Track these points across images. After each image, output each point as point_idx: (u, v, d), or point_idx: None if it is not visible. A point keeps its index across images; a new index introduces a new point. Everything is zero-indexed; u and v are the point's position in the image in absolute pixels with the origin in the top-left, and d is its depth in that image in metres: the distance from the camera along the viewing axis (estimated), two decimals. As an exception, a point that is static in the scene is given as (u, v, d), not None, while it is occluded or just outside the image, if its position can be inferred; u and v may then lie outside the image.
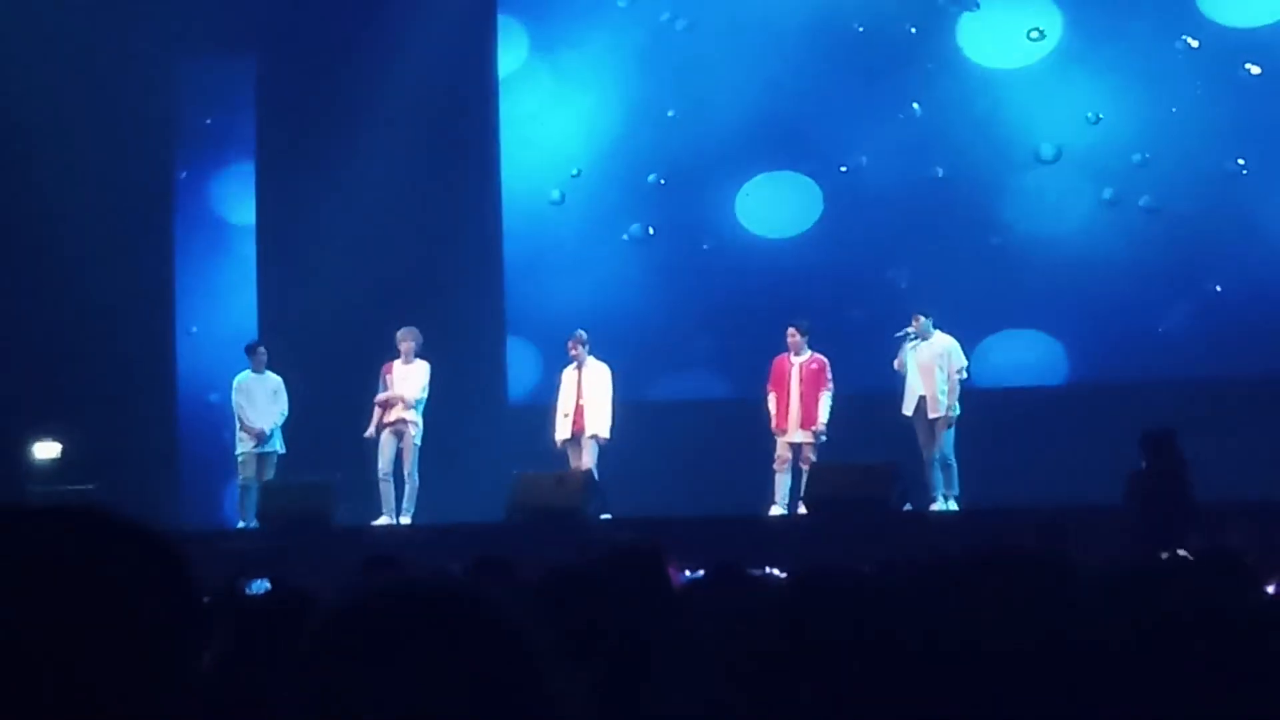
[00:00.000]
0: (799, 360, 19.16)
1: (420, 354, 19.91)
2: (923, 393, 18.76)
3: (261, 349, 20.67)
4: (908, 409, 18.85)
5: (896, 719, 2.92)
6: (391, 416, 19.79)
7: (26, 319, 21.83)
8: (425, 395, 19.85)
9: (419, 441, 19.78)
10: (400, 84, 22.71)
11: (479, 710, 2.04)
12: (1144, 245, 20.90)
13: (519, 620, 2.12)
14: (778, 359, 19.31)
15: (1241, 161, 20.77)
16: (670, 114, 22.50)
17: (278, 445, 20.38)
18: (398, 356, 19.90)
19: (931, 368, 18.75)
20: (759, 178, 22.34)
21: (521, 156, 23.12)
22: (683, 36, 22.59)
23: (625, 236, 22.72)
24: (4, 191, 21.92)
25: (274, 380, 20.50)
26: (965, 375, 18.87)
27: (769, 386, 19.25)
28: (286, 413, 20.41)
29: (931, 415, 18.72)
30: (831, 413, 18.99)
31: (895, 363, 18.93)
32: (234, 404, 20.50)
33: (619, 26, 22.85)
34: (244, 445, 20.32)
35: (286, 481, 20.04)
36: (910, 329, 18.95)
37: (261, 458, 20.29)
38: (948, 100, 21.71)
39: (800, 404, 19.03)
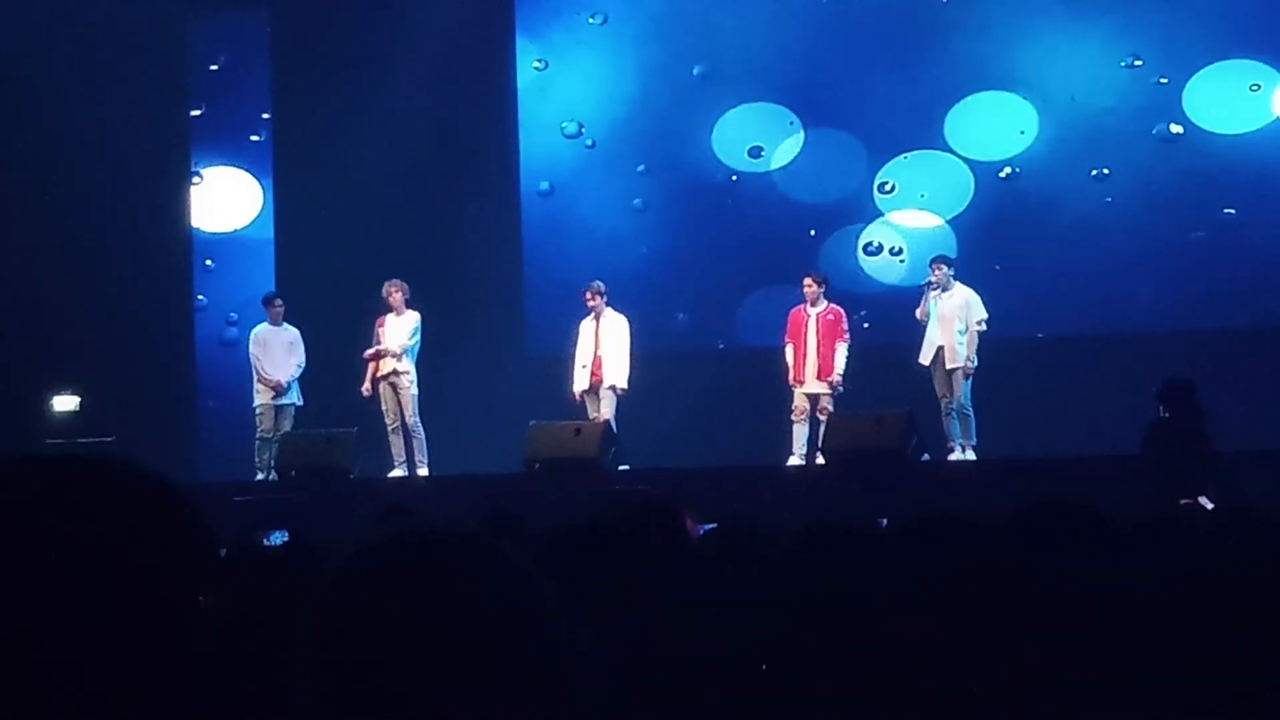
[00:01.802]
0: (815, 311, 19.13)
1: (411, 304, 19.89)
2: (941, 343, 18.73)
3: (279, 301, 20.70)
4: (925, 358, 18.82)
5: (906, 669, 2.93)
6: (384, 369, 19.80)
7: (44, 272, 21.86)
8: (415, 342, 19.81)
9: (415, 391, 19.75)
10: (416, 31, 22.68)
11: (488, 659, 2.05)
12: (1162, 179, 20.84)
13: (529, 570, 2.12)
14: (794, 310, 19.29)
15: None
16: (696, 71, 22.44)
17: (295, 398, 20.42)
18: (388, 309, 19.89)
19: (951, 319, 18.71)
20: (799, 135, 22.28)
21: (537, 94, 23.10)
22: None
23: (637, 202, 22.67)
24: (21, 146, 21.94)
25: (291, 332, 20.53)
26: (984, 327, 18.82)
27: (786, 338, 19.24)
28: (304, 365, 20.44)
29: (949, 366, 18.70)
30: (848, 363, 18.98)
31: (918, 311, 18.89)
32: (251, 356, 20.54)
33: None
34: (261, 398, 20.35)
35: (305, 433, 20.04)
36: (932, 278, 18.91)
37: (279, 410, 20.32)
38: (965, 46, 21.62)
39: (817, 355, 19.01)
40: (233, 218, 23.92)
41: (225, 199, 23.93)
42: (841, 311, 19.17)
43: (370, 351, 19.80)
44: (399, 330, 19.78)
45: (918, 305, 18.93)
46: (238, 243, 23.77)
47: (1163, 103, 20.94)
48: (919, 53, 21.71)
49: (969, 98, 21.63)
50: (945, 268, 18.98)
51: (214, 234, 23.79)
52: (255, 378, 20.46)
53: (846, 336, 19.03)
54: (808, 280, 19.26)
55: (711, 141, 22.39)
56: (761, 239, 21.92)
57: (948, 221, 21.63)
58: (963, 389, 18.71)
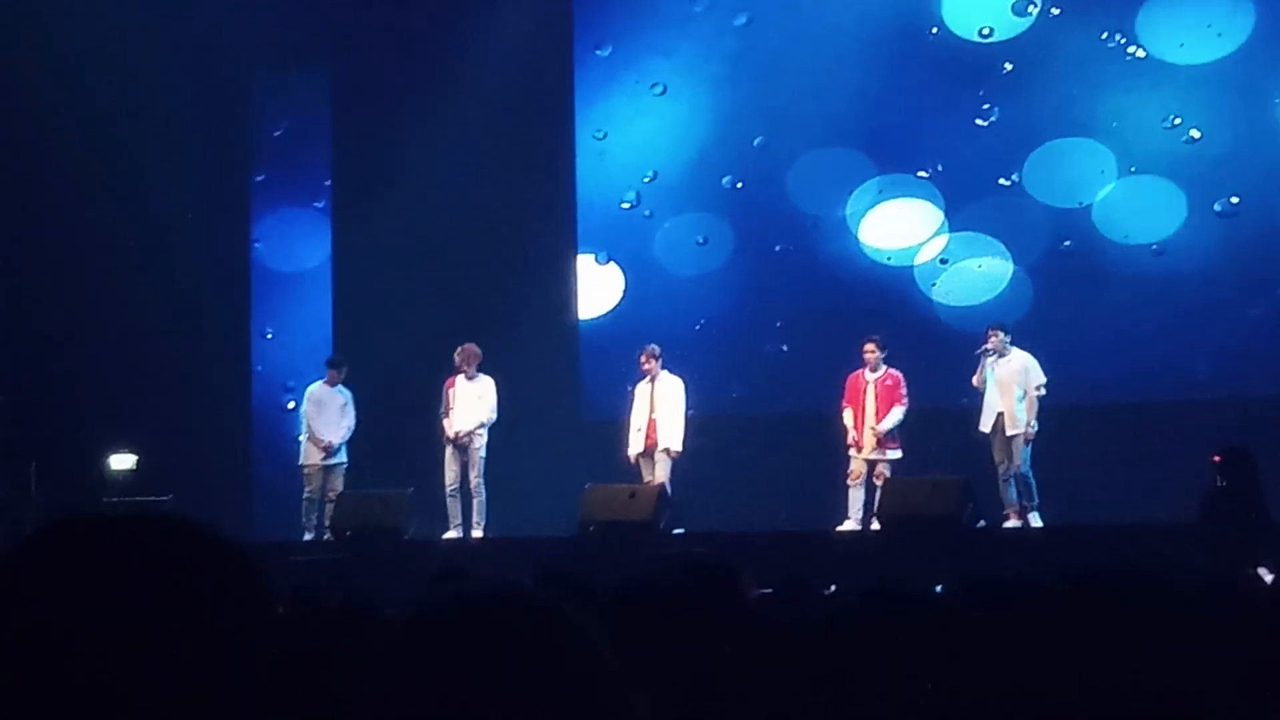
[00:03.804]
0: (874, 377, 19.06)
1: (483, 368, 19.92)
2: (1000, 409, 18.65)
3: (341, 364, 20.74)
4: (985, 426, 18.73)
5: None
6: (458, 432, 19.80)
7: (102, 329, 22.01)
8: (495, 415, 19.89)
9: (484, 454, 19.79)
10: (474, 91, 22.79)
11: (551, 721, 2.05)
12: (1220, 254, 20.73)
13: (590, 632, 2.12)
14: (852, 375, 19.22)
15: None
16: (756, 142, 22.41)
17: (343, 458, 20.47)
18: (458, 371, 19.90)
19: (1010, 385, 18.62)
20: (883, 202, 22.20)
21: (596, 161, 23.13)
22: (757, 40, 22.50)
23: (701, 239, 22.65)
24: (85, 201, 22.14)
25: (345, 394, 20.59)
26: (1044, 392, 18.73)
27: (844, 402, 19.18)
28: (354, 427, 20.50)
29: (1010, 432, 18.59)
30: (900, 425, 18.91)
31: (974, 379, 18.82)
32: (303, 414, 20.62)
33: (696, 31, 22.79)
34: (310, 457, 20.42)
35: (360, 493, 20.05)
36: (987, 345, 18.83)
37: (328, 470, 20.39)
38: (1024, 104, 21.54)
39: (875, 420, 18.98)
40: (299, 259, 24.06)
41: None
42: (900, 376, 19.08)
43: (459, 431, 19.76)
44: (481, 400, 19.77)
45: (974, 373, 18.85)
46: (296, 308, 23.79)
47: (1220, 176, 20.82)
48: (987, 100, 21.68)
49: (1046, 145, 21.51)
50: (1001, 334, 18.89)
51: (280, 272, 23.88)
52: (305, 436, 20.53)
53: (904, 400, 18.96)
54: (870, 346, 19.17)
55: (786, 189, 22.27)
56: (819, 306, 21.79)
57: (1020, 268, 21.46)
58: (1022, 454, 18.62)
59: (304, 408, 20.67)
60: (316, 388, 20.66)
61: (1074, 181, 21.34)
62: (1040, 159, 21.43)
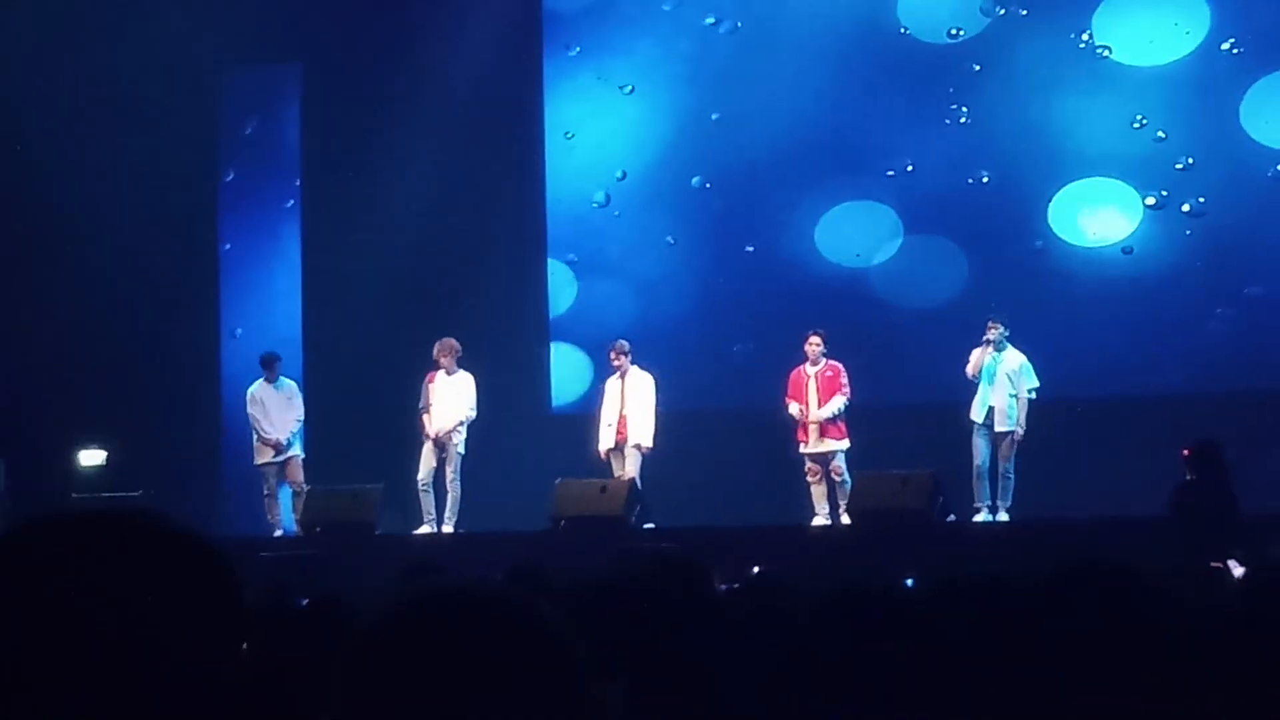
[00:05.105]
0: (814, 370, 19.07)
1: (461, 363, 19.87)
2: (993, 404, 18.62)
3: (278, 360, 20.65)
4: (976, 415, 18.66)
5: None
6: (436, 430, 19.75)
7: (71, 326, 21.95)
8: (475, 413, 19.85)
9: (462, 450, 19.76)
10: (444, 90, 22.75)
11: (519, 715, 2.04)
12: (1187, 253, 20.81)
13: (559, 626, 2.12)
14: (794, 371, 19.21)
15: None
16: (714, 117, 22.39)
17: (297, 449, 20.43)
18: (437, 367, 19.86)
19: (1004, 381, 18.61)
20: (837, 208, 22.19)
21: (565, 160, 23.10)
22: (726, 40, 22.54)
23: (670, 239, 22.64)
24: (50, 198, 22.06)
25: (288, 386, 20.52)
26: (1034, 395, 18.69)
27: (787, 398, 19.18)
28: (303, 418, 20.46)
29: (999, 428, 18.58)
30: (842, 414, 18.91)
31: (968, 369, 18.70)
32: (249, 416, 20.51)
33: (665, 31, 22.78)
34: (262, 456, 20.38)
35: (330, 489, 20.00)
36: (988, 334, 18.72)
37: (282, 465, 20.36)
38: (993, 104, 21.59)
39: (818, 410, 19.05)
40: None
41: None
42: (840, 367, 19.08)
43: (435, 431, 19.72)
44: (459, 397, 19.73)
45: (967, 362, 18.76)
46: (266, 307, 23.68)
47: (1187, 175, 20.90)
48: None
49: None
50: (1000, 326, 18.81)
51: (249, 271, 23.78)
52: (255, 437, 20.45)
53: (845, 390, 18.95)
54: (814, 339, 19.15)
55: (755, 189, 22.22)
56: (787, 304, 21.76)
57: (988, 266, 21.51)
58: (1010, 451, 18.61)
59: (249, 410, 20.56)
60: (257, 388, 20.55)
61: (1042, 181, 21.40)
62: (1009, 159, 21.47)
